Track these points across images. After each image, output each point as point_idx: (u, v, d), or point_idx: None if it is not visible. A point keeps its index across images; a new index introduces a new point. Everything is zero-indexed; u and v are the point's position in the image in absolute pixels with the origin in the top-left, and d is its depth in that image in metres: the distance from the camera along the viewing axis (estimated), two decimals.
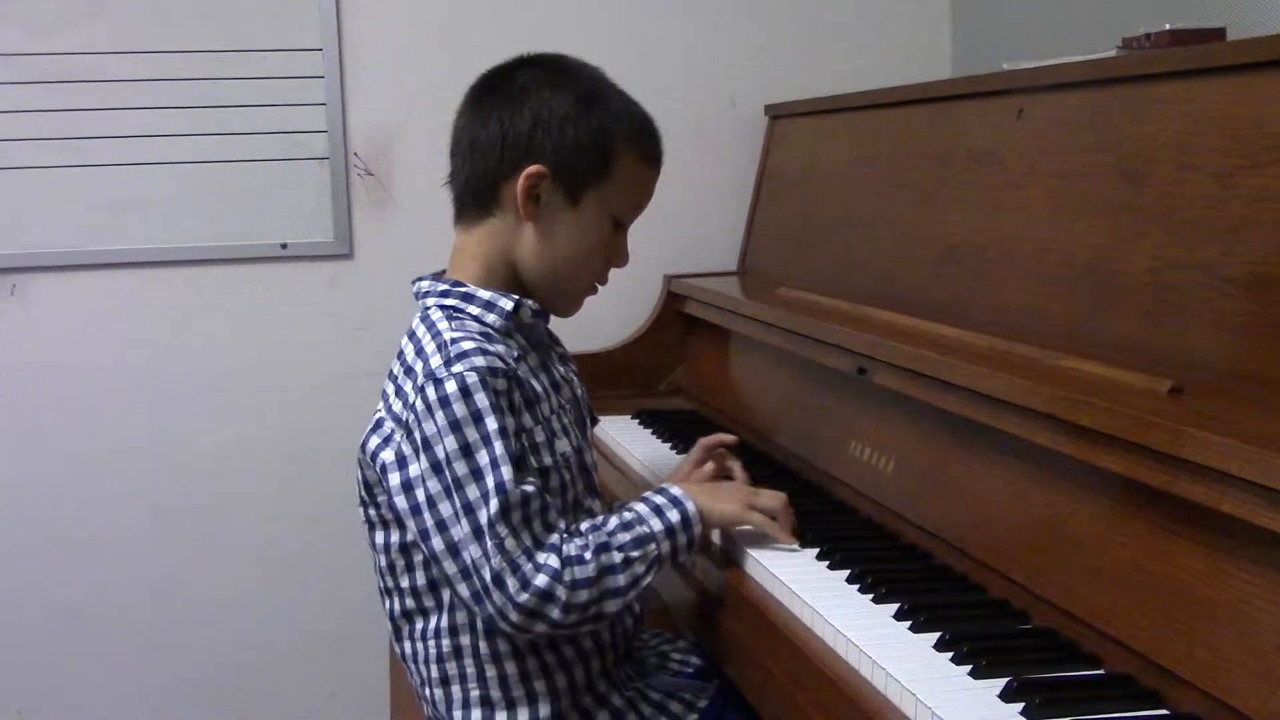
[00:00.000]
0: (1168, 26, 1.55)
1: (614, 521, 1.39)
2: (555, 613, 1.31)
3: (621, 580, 1.35)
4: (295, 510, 2.46)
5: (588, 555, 1.33)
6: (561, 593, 1.31)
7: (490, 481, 1.31)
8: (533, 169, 1.41)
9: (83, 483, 2.39)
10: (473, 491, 1.31)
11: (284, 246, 2.41)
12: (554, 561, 1.31)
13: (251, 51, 2.35)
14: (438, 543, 1.34)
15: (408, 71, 2.43)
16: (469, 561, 1.32)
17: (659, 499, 1.42)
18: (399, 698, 1.73)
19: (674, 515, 1.40)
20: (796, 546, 1.47)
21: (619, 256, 1.50)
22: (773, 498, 1.49)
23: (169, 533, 2.43)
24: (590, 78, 1.48)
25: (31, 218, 2.32)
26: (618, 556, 1.35)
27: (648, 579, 1.38)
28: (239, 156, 2.37)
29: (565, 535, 1.35)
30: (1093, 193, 1.50)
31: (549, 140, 1.42)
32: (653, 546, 1.38)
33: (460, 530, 1.32)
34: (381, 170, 2.44)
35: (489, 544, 1.30)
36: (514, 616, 1.31)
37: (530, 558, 1.31)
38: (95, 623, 2.42)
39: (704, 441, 1.67)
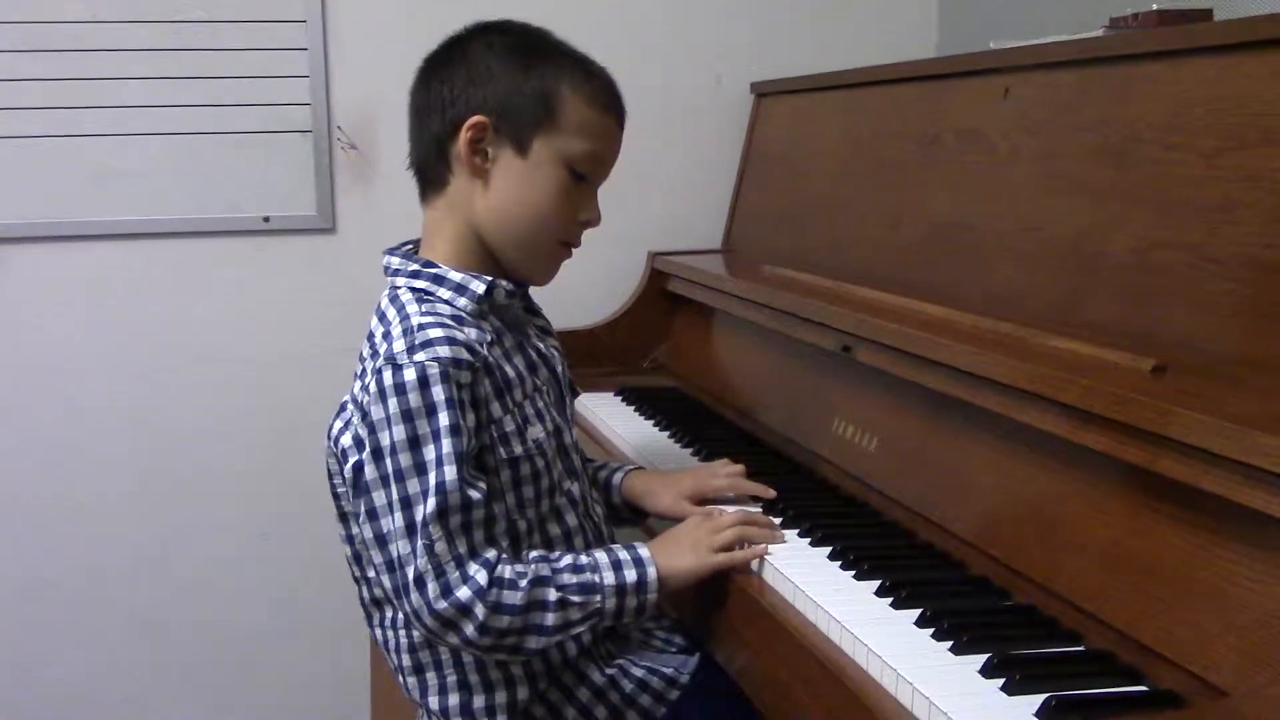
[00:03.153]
0: (1155, 6, 1.55)
1: (566, 560, 1.34)
2: (470, 629, 1.27)
3: (550, 620, 1.30)
4: (276, 484, 2.45)
5: (521, 583, 1.29)
6: (480, 611, 1.26)
7: (432, 479, 1.27)
8: (473, 120, 1.38)
9: (62, 455, 2.38)
10: (413, 486, 1.28)
11: (266, 220, 2.40)
12: (482, 577, 1.27)
13: (234, 23, 2.33)
14: (367, 530, 1.32)
15: (392, 44, 2.40)
16: (395, 556, 1.29)
17: (622, 554, 1.36)
18: (380, 673, 1.73)
19: (630, 575, 1.34)
20: (770, 553, 1.40)
21: (587, 212, 1.44)
22: (731, 528, 1.41)
23: (148, 506, 2.42)
24: (529, 32, 1.45)
25: (12, 188, 2.30)
26: (553, 595, 1.30)
27: (580, 629, 1.33)
28: (222, 129, 2.35)
29: (505, 556, 1.30)
30: (1079, 172, 1.50)
31: (485, 90, 1.39)
32: (597, 599, 1.33)
33: (391, 522, 1.29)
34: (365, 144, 2.42)
35: (419, 543, 1.26)
36: (428, 622, 1.27)
37: (459, 566, 1.27)
38: (73, 596, 2.41)
39: (706, 489, 1.56)
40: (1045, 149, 1.57)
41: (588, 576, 1.33)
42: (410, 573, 1.27)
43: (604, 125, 1.43)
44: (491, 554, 1.29)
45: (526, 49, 1.42)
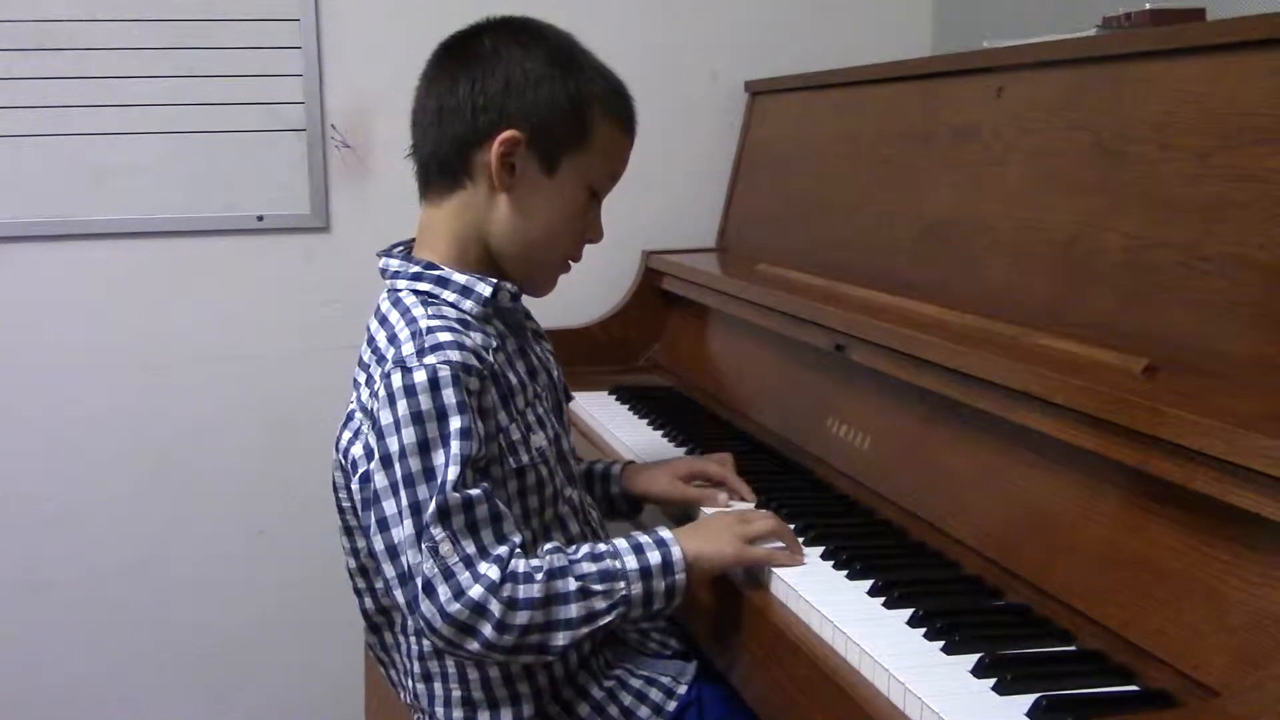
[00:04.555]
0: (1147, 6, 1.55)
1: (584, 550, 1.30)
2: (488, 630, 1.22)
3: (574, 612, 1.25)
4: (270, 482, 2.45)
5: (537, 576, 1.24)
6: (496, 608, 1.22)
7: (438, 482, 1.24)
8: (508, 134, 1.34)
9: (57, 454, 2.38)
10: (422, 491, 1.24)
11: (260, 219, 2.40)
12: (494, 574, 1.22)
13: (229, 21, 2.33)
14: (378, 542, 1.28)
15: (386, 43, 2.40)
16: (407, 566, 1.24)
17: (642, 537, 1.31)
18: (375, 674, 1.73)
19: (654, 556, 1.29)
20: (806, 563, 1.38)
21: (594, 230, 1.43)
22: (765, 519, 1.40)
23: (144, 505, 2.42)
24: (561, 38, 1.41)
25: (5, 187, 2.29)
26: (573, 585, 1.25)
27: (608, 619, 1.27)
28: (216, 127, 2.34)
29: (519, 551, 1.25)
30: (1072, 171, 1.50)
31: (524, 103, 1.34)
32: (621, 585, 1.27)
33: (402, 531, 1.24)
34: (359, 143, 2.42)
35: (424, 547, 1.23)
36: (443, 628, 1.22)
37: (469, 566, 1.22)
38: (70, 594, 2.40)
39: (698, 469, 1.59)
40: (1038, 148, 1.57)
41: (608, 563, 1.28)
42: (419, 581, 1.23)
43: (625, 146, 1.43)
44: (503, 550, 1.24)
45: (564, 62, 1.38)
